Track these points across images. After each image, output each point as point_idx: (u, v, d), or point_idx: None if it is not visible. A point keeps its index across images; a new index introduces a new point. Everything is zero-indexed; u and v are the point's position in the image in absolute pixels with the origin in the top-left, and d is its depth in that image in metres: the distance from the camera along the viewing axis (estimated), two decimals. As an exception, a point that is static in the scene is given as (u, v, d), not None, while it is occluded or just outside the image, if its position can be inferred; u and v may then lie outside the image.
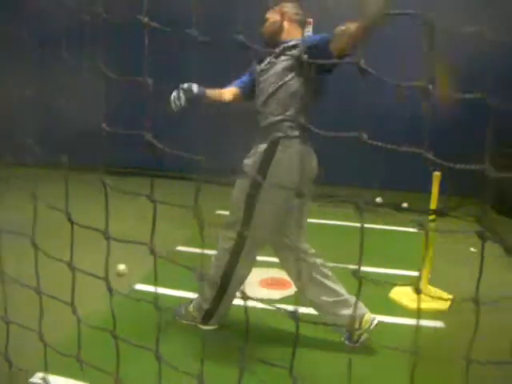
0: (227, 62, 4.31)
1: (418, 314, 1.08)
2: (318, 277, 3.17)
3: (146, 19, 0.99)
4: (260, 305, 1.56)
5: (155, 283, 1.18)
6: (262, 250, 3.22)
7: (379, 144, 0.82)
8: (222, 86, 3.34)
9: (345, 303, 3.17)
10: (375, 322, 3.14)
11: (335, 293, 3.18)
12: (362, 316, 3.15)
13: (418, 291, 1.02)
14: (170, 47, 4.41)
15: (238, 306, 3.19)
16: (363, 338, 3.14)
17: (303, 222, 3.25)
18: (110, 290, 1.11)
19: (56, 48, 1.38)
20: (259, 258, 3.25)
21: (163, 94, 1.25)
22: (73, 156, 1.35)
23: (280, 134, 2.94)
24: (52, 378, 2.52)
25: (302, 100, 2.95)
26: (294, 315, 0.90)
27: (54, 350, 1.33)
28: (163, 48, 1.92)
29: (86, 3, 1.32)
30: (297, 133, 2.94)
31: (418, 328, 1.08)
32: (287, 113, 2.96)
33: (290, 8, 3.13)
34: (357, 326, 3.14)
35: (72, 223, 1.21)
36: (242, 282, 3.17)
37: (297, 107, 2.96)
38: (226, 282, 3.13)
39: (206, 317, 3.28)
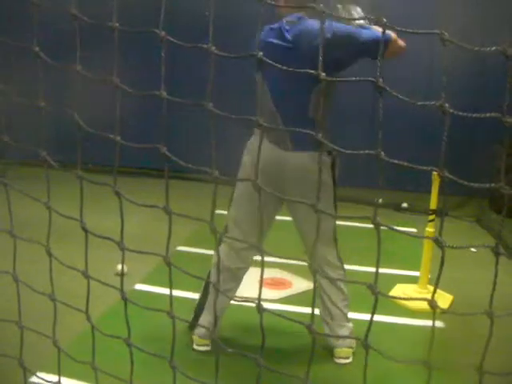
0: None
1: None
2: (339, 283, 3.03)
3: (163, 33, 1.00)
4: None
5: (170, 296, 1.19)
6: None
7: (396, 162, 0.84)
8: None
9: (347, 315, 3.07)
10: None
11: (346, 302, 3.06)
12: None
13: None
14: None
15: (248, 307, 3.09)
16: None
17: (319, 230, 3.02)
18: (124, 299, 1.12)
19: (68, 59, 1.40)
20: (258, 258, 3.20)
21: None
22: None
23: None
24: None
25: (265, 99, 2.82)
26: (310, 328, 0.91)
27: (69, 356, 1.34)
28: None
29: (98, 14, 1.33)
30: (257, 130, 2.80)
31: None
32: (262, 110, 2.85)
33: None
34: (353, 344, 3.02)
35: (86, 232, 1.23)
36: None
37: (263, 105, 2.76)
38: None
39: (193, 322, 3.09)
